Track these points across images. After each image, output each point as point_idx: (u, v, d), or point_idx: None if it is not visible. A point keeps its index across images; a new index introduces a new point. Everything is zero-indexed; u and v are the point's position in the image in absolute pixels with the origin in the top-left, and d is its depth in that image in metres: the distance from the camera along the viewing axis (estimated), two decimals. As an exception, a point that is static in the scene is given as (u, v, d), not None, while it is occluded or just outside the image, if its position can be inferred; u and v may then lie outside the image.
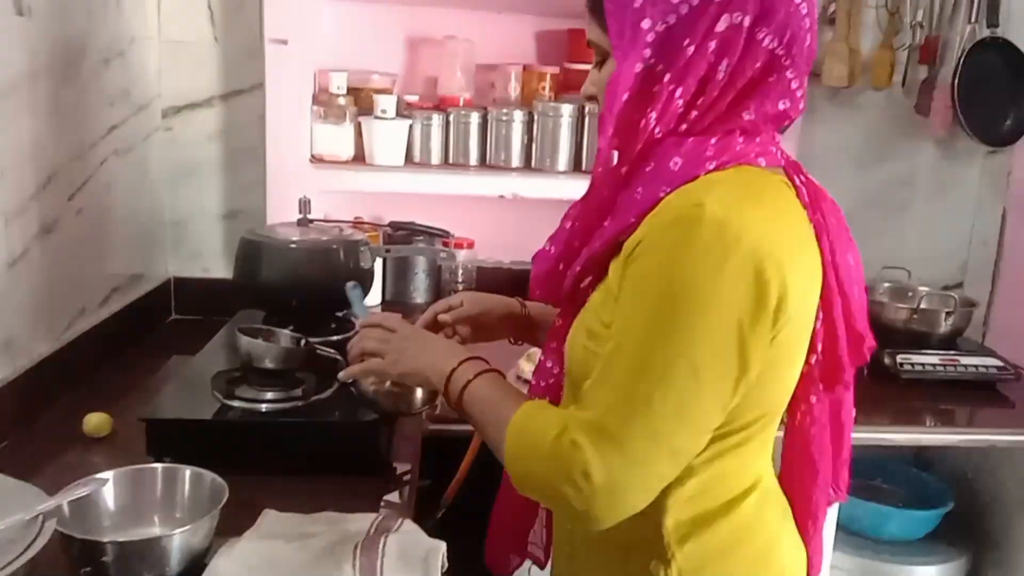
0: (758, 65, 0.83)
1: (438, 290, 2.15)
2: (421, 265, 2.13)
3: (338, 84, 1.91)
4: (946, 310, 1.90)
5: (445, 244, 1.96)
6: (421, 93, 2.06)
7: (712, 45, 0.81)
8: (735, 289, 0.78)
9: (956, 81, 1.97)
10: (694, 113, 0.84)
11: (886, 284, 2.09)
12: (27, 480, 1.14)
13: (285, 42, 1.78)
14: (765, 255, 0.78)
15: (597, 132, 0.89)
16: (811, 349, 0.89)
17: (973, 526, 1.93)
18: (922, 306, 1.91)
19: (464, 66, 1.99)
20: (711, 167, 0.83)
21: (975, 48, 1.98)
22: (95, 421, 1.30)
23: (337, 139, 1.91)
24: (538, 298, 1.00)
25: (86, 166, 1.57)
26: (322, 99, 1.92)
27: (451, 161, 1.99)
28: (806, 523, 0.98)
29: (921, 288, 2.02)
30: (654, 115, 0.84)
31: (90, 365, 1.56)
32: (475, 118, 1.96)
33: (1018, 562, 1.85)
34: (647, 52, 0.82)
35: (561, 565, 1.05)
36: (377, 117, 1.90)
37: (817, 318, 0.88)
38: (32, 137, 1.37)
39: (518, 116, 1.93)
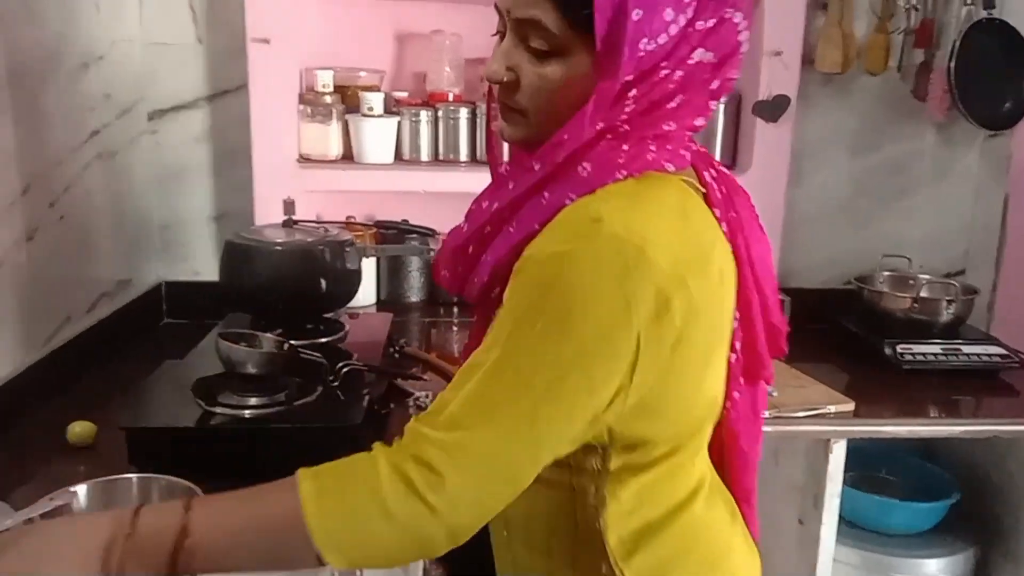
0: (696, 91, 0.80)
1: (432, 289, 2.13)
2: (415, 264, 2.11)
3: (324, 82, 1.88)
4: (947, 298, 1.87)
5: (438, 243, 1.94)
6: (409, 89, 2.03)
7: (679, 75, 0.78)
8: (628, 306, 0.73)
9: (953, 64, 1.93)
10: (623, 127, 0.79)
11: (886, 273, 2.05)
12: (9, 490, 1.13)
13: (267, 41, 1.76)
14: (667, 273, 0.74)
15: (520, 123, 0.83)
16: (731, 348, 0.86)
17: (981, 517, 1.90)
18: (923, 294, 1.88)
19: (452, 61, 1.96)
20: (621, 176, 0.78)
21: (971, 30, 1.94)
22: (79, 430, 1.28)
23: (324, 138, 1.89)
24: (443, 281, 0.90)
25: (68, 171, 1.55)
26: (308, 98, 1.89)
27: (441, 157, 1.96)
28: (742, 507, 0.96)
29: (922, 276, 1.98)
30: (600, 126, 0.78)
31: (77, 372, 1.55)
32: (464, 113, 1.93)
33: (1026, 552, 1.82)
34: (630, 70, 0.76)
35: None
36: (364, 115, 1.88)
37: (734, 318, 0.85)
38: (10, 143, 1.35)
39: (507, 110, 1.90)
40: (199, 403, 1.19)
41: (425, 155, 1.95)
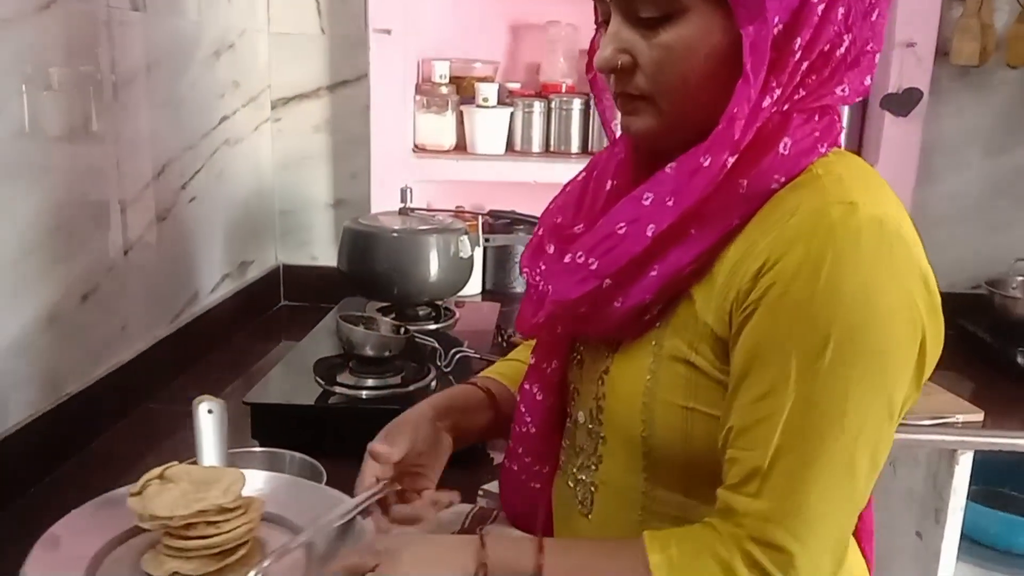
0: (869, 34, 0.70)
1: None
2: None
3: (441, 73, 1.91)
4: (1088, 306, 1.75)
5: (546, 233, 1.93)
6: (523, 80, 2.03)
7: (840, 11, 0.67)
8: (910, 301, 0.64)
9: (1103, 57, 1.80)
10: (800, 91, 0.69)
11: (1019, 278, 1.94)
12: (138, 460, 1.19)
13: (389, 32, 1.79)
14: (921, 255, 0.66)
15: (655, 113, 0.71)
16: None
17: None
18: (1061, 301, 1.77)
19: (566, 52, 1.96)
20: (822, 151, 0.69)
21: None
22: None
23: (439, 128, 1.91)
24: (564, 332, 0.79)
25: (198, 156, 1.62)
26: (425, 88, 1.92)
27: (552, 149, 1.96)
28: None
29: (1060, 282, 1.87)
30: (779, 92, 0.67)
31: (202, 348, 1.61)
32: (577, 105, 1.92)
33: None
34: (774, 12, 0.64)
35: None
36: (479, 105, 1.89)
37: None
38: (148, 128, 1.42)
39: (622, 102, 1.88)
40: (319, 382, 1.22)
41: (536, 146, 1.95)
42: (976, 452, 1.50)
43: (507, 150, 1.95)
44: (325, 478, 0.98)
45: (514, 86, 2.00)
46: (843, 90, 0.70)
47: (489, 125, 1.91)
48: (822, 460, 0.63)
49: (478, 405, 0.95)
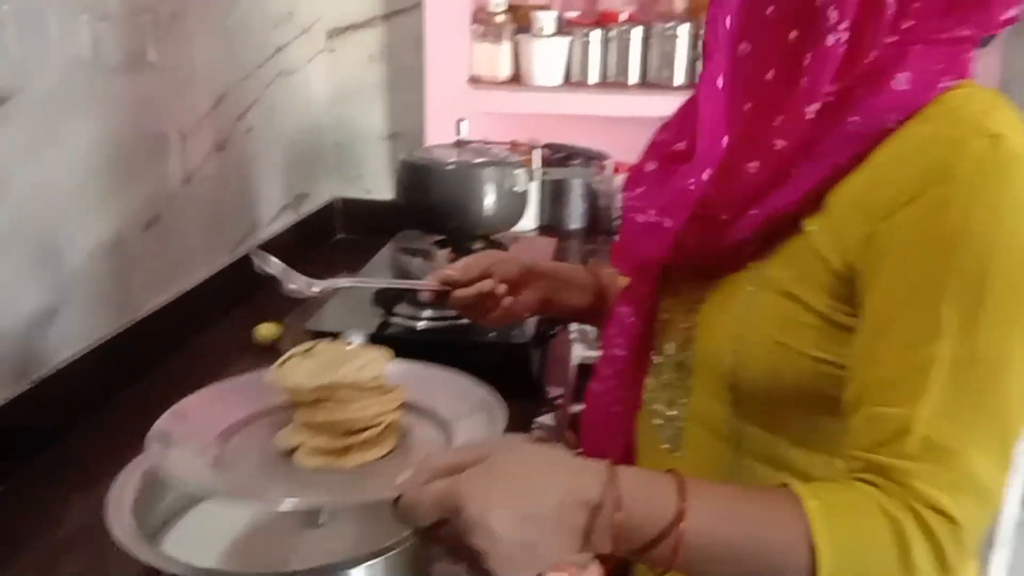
0: None
1: (594, 217, 2.10)
2: (577, 190, 2.08)
3: (496, 1, 1.86)
4: None
5: (603, 168, 1.90)
6: (581, 9, 1.97)
7: None
8: None
9: None
10: (907, 22, 0.63)
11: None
12: (199, 384, 1.22)
13: (444, -43, 1.75)
14: None
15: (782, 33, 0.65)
16: None
17: None
18: None
19: (627, -22, 1.90)
20: (943, 87, 0.63)
21: None
22: (264, 331, 1.36)
23: (495, 59, 1.88)
24: (662, 261, 0.74)
25: (254, 87, 1.61)
26: (481, 17, 1.88)
27: (610, 80, 1.91)
28: None
29: None
30: (890, 23, 0.62)
31: (262, 279, 1.63)
32: (637, 34, 1.87)
33: None
34: None
35: None
36: (535, 35, 1.85)
37: None
38: (203, 59, 1.42)
39: (684, 30, 1.82)
40: (378, 312, 1.23)
41: (594, 77, 1.91)
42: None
43: (564, 81, 1.91)
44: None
45: (572, 15, 1.95)
46: (965, 30, 0.64)
47: (546, 55, 1.86)
48: (985, 421, 0.58)
49: (581, 284, 0.96)
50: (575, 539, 0.56)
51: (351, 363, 0.71)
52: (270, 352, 1.34)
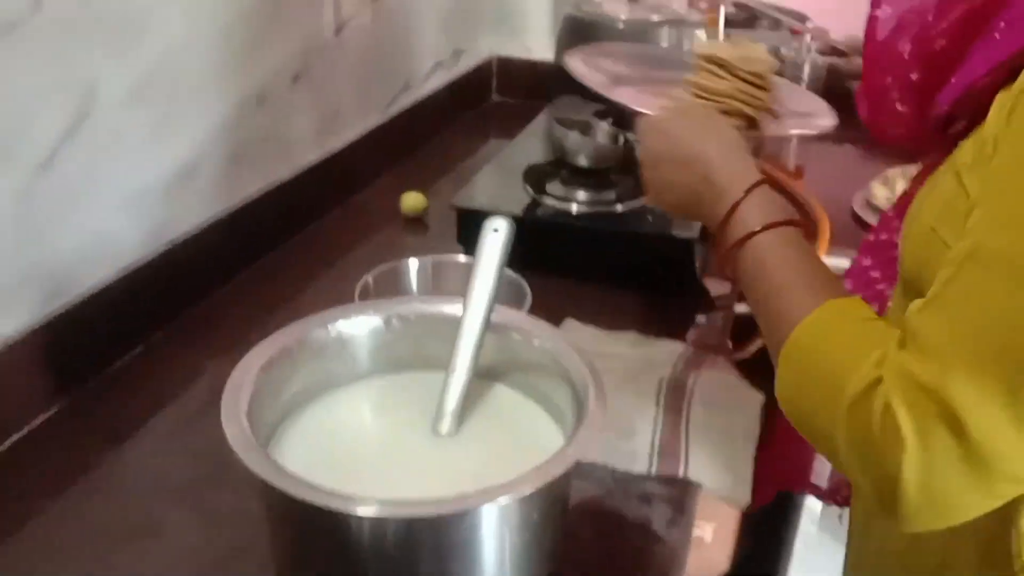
0: None
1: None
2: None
3: None
4: None
5: (794, 32, 1.67)
6: None
7: None
8: None
9: None
10: None
11: None
12: (344, 253, 1.17)
13: None
14: None
15: None
16: None
17: None
18: None
19: None
20: None
21: None
22: (411, 201, 1.29)
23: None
24: (871, 122, 0.68)
25: (412, -71, 1.48)
26: None
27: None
28: None
29: None
30: None
31: (412, 141, 1.56)
32: None
33: None
34: None
35: (855, 538, 0.75)
36: None
37: None
38: None
39: None
40: (528, 190, 1.13)
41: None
42: None
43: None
44: (529, 296, 0.90)
45: None
46: None
47: None
48: (977, 338, 0.47)
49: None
50: (695, 200, 0.69)
51: (745, 53, 0.86)
52: (415, 225, 1.28)
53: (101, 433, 0.84)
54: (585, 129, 1.18)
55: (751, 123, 0.87)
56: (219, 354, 0.90)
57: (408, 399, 0.71)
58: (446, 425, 0.67)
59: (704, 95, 0.86)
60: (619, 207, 1.11)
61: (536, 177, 1.15)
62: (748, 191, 0.65)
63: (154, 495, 0.77)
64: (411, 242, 1.25)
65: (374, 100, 1.45)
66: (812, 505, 1.43)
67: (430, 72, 1.64)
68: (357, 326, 0.71)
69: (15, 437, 0.81)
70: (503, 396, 0.72)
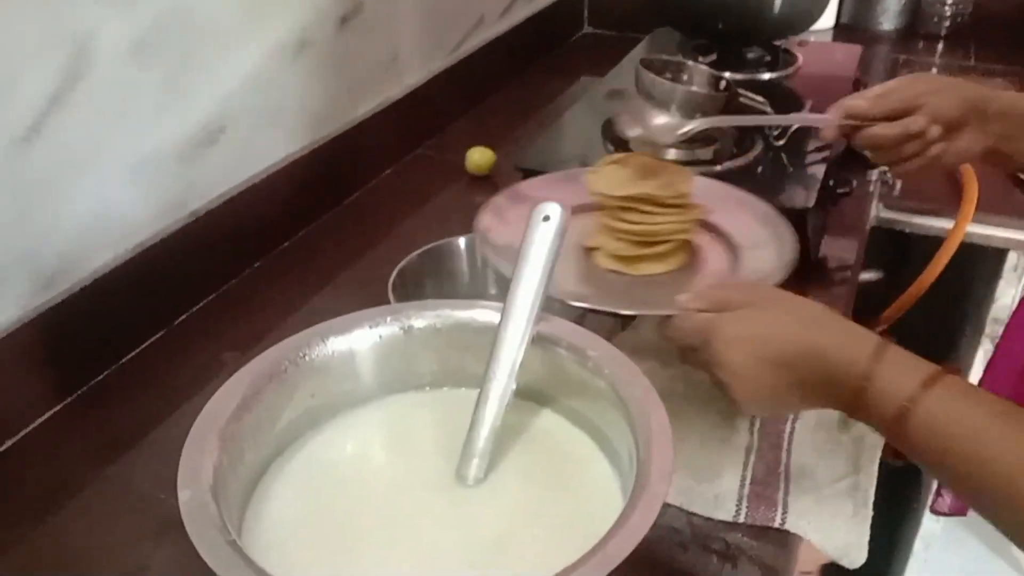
0: None
1: (913, 15, 1.62)
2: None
3: None
4: None
5: None
6: None
7: None
8: None
9: None
10: None
11: None
12: (407, 215, 1.03)
13: None
14: None
15: None
16: None
17: None
18: None
19: None
20: None
21: None
22: (477, 158, 1.13)
23: None
24: None
25: None
26: None
27: None
28: None
29: None
30: None
31: (487, 87, 1.39)
32: None
33: None
34: None
35: None
36: None
37: None
38: None
39: None
40: (608, 148, 0.96)
41: None
42: None
43: None
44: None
45: None
46: None
47: None
48: None
49: None
50: (813, 394, 0.55)
51: (660, 177, 0.73)
52: (481, 186, 1.12)
53: (100, 441, 0.73)
54: (679, 72, 0.99)
55: (686, 246, 0.75)
56: (241, 346, 0.79)
57: (427, 427, 0.58)
58: (473, 470, 0.53)
59: (646, 239, 0.72)
60: (718, 168, 0.93)
61: (616, 135, 0.97)
62: (876, 358, 0.51)
63: (164, 506, 0.66)
64: (472, 210, 1.10)
65: (440, 40, 1.28)
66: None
67: (509, 5, 1.46)
68: (365, 339, 0.57)
69: (7, 444, 0.72)
70: (546, 425, 0.58)
